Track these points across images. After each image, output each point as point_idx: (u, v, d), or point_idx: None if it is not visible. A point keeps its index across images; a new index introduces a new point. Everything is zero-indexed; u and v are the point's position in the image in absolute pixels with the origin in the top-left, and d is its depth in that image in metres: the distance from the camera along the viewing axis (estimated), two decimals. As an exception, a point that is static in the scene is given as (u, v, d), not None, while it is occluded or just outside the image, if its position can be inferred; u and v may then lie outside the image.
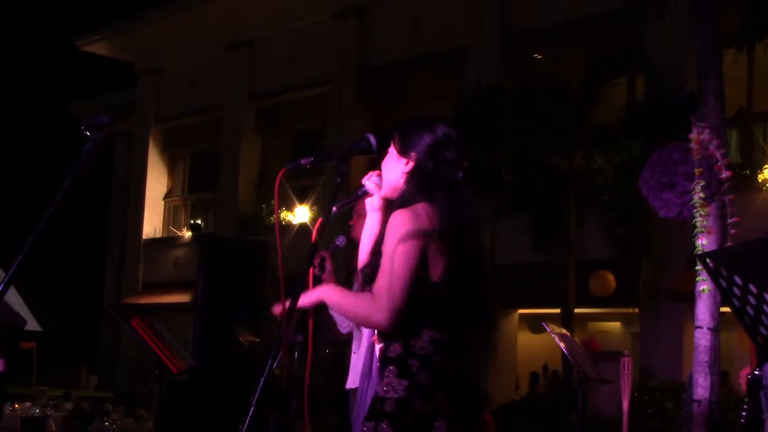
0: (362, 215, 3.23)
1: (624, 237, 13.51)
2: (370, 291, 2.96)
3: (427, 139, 3.03)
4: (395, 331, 2.92)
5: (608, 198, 13.64)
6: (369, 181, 3.12)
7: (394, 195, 3.07)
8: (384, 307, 2.84)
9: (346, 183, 2.96)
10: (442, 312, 2.92)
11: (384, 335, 2.97)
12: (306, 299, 2.94)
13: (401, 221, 2.88)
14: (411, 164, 3.04)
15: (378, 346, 3.08)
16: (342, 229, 4.70)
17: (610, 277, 14.98)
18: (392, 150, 3.09)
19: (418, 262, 2.86)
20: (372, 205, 3.15)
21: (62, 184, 2.21)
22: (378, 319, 2.86)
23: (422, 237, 2.87)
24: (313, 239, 2.93)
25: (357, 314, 2.95)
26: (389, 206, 3.13)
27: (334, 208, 3.02)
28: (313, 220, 19.21)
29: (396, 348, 2.93)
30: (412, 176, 3.02)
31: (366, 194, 3.13)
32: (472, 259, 2.98)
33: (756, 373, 5.35)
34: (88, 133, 2.18)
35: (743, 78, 14.40)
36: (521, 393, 16.84)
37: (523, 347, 18.12)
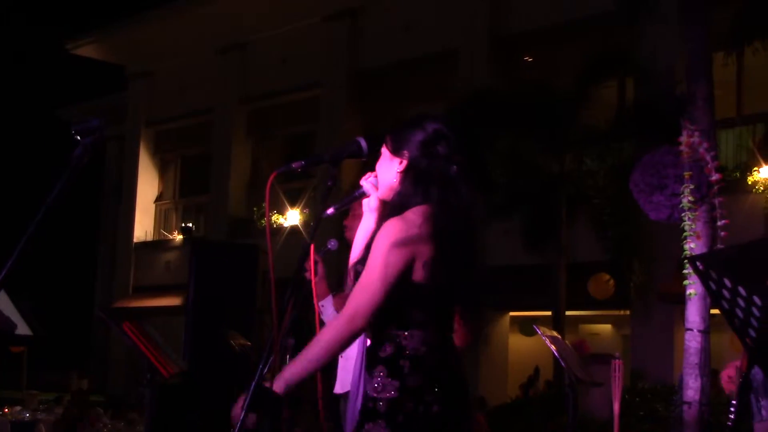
0: (358, 216, 3.23)
1: (615, 239, 13.53)
2: None
3: (418, 137, 3.05)
4: (386, 330, 2.94)
5: (599, 200, 13.66)
6: (366, 182, 3.11)
7: (390, 196, 3.08)
8: (356, 317, 2.86)
9: (337, 186, 2.97)
10: (434, 312, 2.93)
11: (375, 334, 2.98)
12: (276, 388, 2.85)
13: (390, 230, 2.90)
14: (404, 163, 3.05)
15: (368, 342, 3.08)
16: (333, 231, 4.70)
17: (609, 280, 15.00)
18: (385, 151, 3.10)
19: (400, 270, 2.87)
20: (369, 206, 3.14)
21: (53, 188, 2.21)
22: (353, 327, 2.86)
23: (410, 244, 2.88)
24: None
25: (331, 347, 2.87)
26: (385, 207, 3.14)
27: (331, 209, 3.03)
28: (304, 223, 19.20)
29: (387, 348, 2.93)
30: (407, 175, 3.03)
31: (363, 195, 3.13)
32: (464, 258, 2.99)
33: (737, 379, 5.37)
34: (79, 138, 2.18)
35: (733, 81, 14.45)
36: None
37: (515, 350, 18.13)
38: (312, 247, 3.01)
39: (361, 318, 2.86)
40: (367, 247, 3.04)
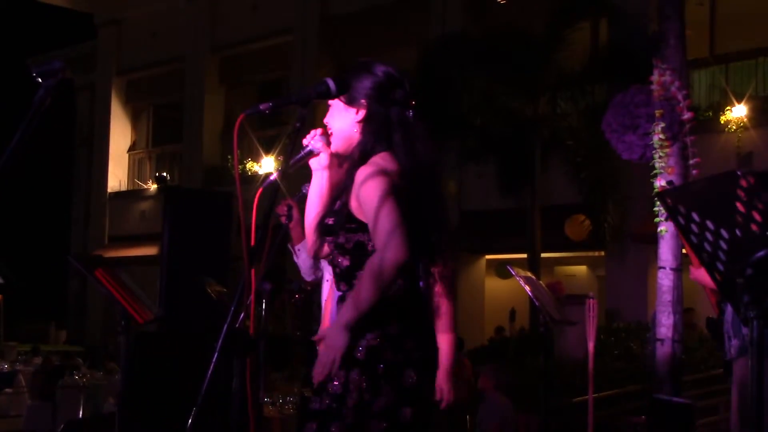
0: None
1: (589, 181, 13.60)
2: (330, 241, 2.97)
3: (371, 84, 3.01)
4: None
5: (573, 142, 13.69)
6: (314, 140, 3.06)
7: (347, 148, 3.04)
8: (390, 247, 2.74)
9: (306, 127, 2.94)
10: (411, 258, 2.86)
11: (350, 282, 2.94)
12: (329, 357, 2.81)
13: (370, 175, 2.84)
14: (362, 112, 3.00)
15: (338, 293, 3.04)
16: (307, 177, 4.67)
17: (585, 221, 15.04)
18: (336, 102, 3.04)
19: (399, 209, 2.81)
20: (320, 164, 3.09)
21: (16, 133, 2.18)
22: (391, 261, 2.73)
23: (394, 188, 2.84)
24: (255, 206, 2.88)
25: (377, 282, 2.75)
26: (341, 160, 3.10)
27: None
28: (279, 170, 19.11)
29: None
30: (367, 124, 2.99)
31: (312, 154, 3.08)
32: (432, 200, 2.98)
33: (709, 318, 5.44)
34: (40, 80, 2.14)
35: (706, 21, 14.45)
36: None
37: (491, 293, 18.27)
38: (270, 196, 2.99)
39: (404, 250, 2.75)
40: (333, 201, 3.01)
